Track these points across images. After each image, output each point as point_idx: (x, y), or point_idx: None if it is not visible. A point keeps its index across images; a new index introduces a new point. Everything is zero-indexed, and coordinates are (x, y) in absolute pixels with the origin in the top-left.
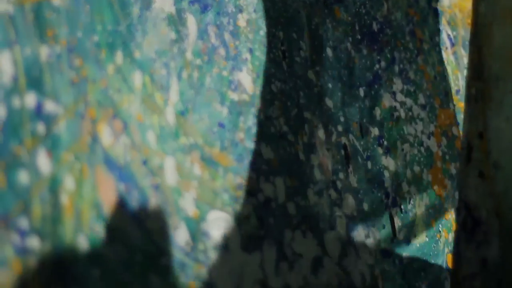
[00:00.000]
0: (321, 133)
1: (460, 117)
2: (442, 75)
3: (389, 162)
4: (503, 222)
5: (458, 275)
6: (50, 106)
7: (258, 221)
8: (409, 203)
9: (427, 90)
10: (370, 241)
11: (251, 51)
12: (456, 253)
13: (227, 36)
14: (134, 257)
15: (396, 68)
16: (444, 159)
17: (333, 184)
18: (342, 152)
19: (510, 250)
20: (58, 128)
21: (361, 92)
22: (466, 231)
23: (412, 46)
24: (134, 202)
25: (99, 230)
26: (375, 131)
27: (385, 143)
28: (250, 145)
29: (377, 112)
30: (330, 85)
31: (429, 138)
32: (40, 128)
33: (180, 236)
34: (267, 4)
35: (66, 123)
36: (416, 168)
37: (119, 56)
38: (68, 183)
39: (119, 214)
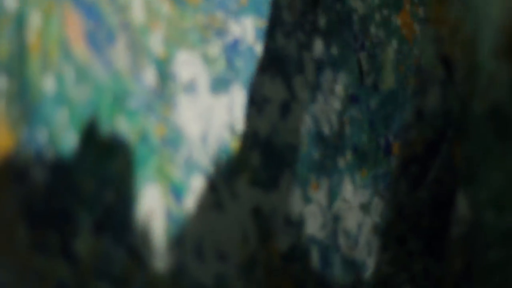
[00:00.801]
0: None
1: None
2: None
3: (357, 4)
4: (462, 67)
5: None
6: None
7: (227, 63)
8: (377, 47)
9: None
10: (338, 87)
11: None
12: None
13: None
14: (102, 98)
15: None
16: (413, 2)
17: (302, 26)
18: None
19: (463, 95)
20: None
21: None
22: None
23: None
24: (102, 41)
25: (66, 70)
26: None
27: None
28: None
29: None
30: None
31: None
32: None
33: (148, 77)
34: None
35: None
36: (385, 11)
37: None
38: (35, 20)
39: (87, 53)
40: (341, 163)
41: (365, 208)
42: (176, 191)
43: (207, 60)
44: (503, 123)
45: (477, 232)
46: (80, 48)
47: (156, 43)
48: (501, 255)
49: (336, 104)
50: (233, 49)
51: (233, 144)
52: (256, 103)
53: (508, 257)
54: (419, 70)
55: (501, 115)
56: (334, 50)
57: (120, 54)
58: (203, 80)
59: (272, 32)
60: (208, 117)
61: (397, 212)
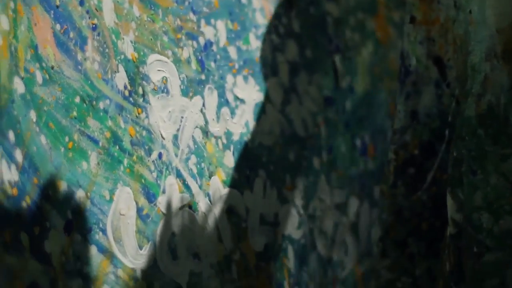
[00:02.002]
0: None
1: None
2: None
3: (332, 8)
4: (455, 68)
5: (392, 128)
6: None
7: (199, 65)
8: (353, 50)
9: None
10: (313, 89)
11: None
12: (395, 105)
13: None
14: (72, 100)
15: None
16: (388, 6)
17: (276, 29)
18: None
19: (458, 95)
20: None
21: None
22: (400, 81)
23: None
24: (71, 43)
25: (35, 72)
26: None
27: None
28: None
29: None
30: None
31: None
32: None
33: (118, 79)
34: None
35: None
36: (360, 15)
37: None
38: (3, 23)
39: (56, 55)
40: (317, 163)
41: (341, 208)
42: (148, 192)
43: (179, 62)
44: (500, 126)
45: (470, 235)
46: (49, 50)
47: (126, 45)
48: (496, 258)
49: (311, 106)
50: (205, 51)
51: (206, 145)
52: (229, 104)
53: (503, 260)
54: (408, 71)
55: (497, 118)
56: (309, 53)
57: (90, 56)
58: (174, 82)
59: (245, 34)
60: (180, 118)
61: (396, 216)
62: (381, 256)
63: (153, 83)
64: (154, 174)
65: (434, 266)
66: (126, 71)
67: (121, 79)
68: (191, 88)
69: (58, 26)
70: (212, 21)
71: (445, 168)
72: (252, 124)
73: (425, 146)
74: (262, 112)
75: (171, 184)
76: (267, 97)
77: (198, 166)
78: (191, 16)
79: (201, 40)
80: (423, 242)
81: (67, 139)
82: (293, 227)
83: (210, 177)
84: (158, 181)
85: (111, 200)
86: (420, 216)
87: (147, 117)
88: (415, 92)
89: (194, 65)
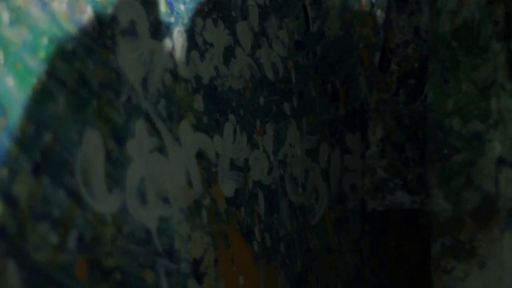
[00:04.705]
0: None
1: None
2: None
3: None
4: None
5: (390, 43)
6: None
7: (168, 7)
8: None
9: None
10: (283, 33)
11: None
12: (387, 23)
13: None
14: (39, 41)
15: None
16: None
17: None
18: None
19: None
20: None
21: None
22: (398, 1)
23: None
24: None
25: (2, 12)
26: None
27: None
28: None
29: None
30: None
31: None
32: None
33: (86, 20)
34: None
35: None
36: None
37: None
38: None
39: None
40: (287, 108)
41: (312, 154)
42: (117, 135)
43: (147, 4)
44: (473, 39)
45: (440, 138)
46: None
47: None
48: (463, 158)
49: (281, 50)
50: None
51: (175, 89)
52: (198, 47)
53: (469, 160)
54: None
55: (471, 32)
56: None
57: None
58: (143, 24)
59: None
60: (149, 61)
61: (397, 121)
62: (379, 156)
63: (122, 25)
64: (123, 117)
65: (424, 173)
66: (94, 12)
67: (89, 20)
68: (160, 30)
69: None
70: None
71: None
72: (221, 68)
73: (423, 60)
74: (232, 56)
75: (140, 127)
76: (236, 41)
77: (168, 110)
78: None
79: None
80: (418, 149)
81: (35, 80)
82: (263, 173)
83: (179, 121)
84: (127, 124)
85: (79, 142)
86: (417, 124)
87: (115, 59)
88: (418, 10)
89: (163, 7)
